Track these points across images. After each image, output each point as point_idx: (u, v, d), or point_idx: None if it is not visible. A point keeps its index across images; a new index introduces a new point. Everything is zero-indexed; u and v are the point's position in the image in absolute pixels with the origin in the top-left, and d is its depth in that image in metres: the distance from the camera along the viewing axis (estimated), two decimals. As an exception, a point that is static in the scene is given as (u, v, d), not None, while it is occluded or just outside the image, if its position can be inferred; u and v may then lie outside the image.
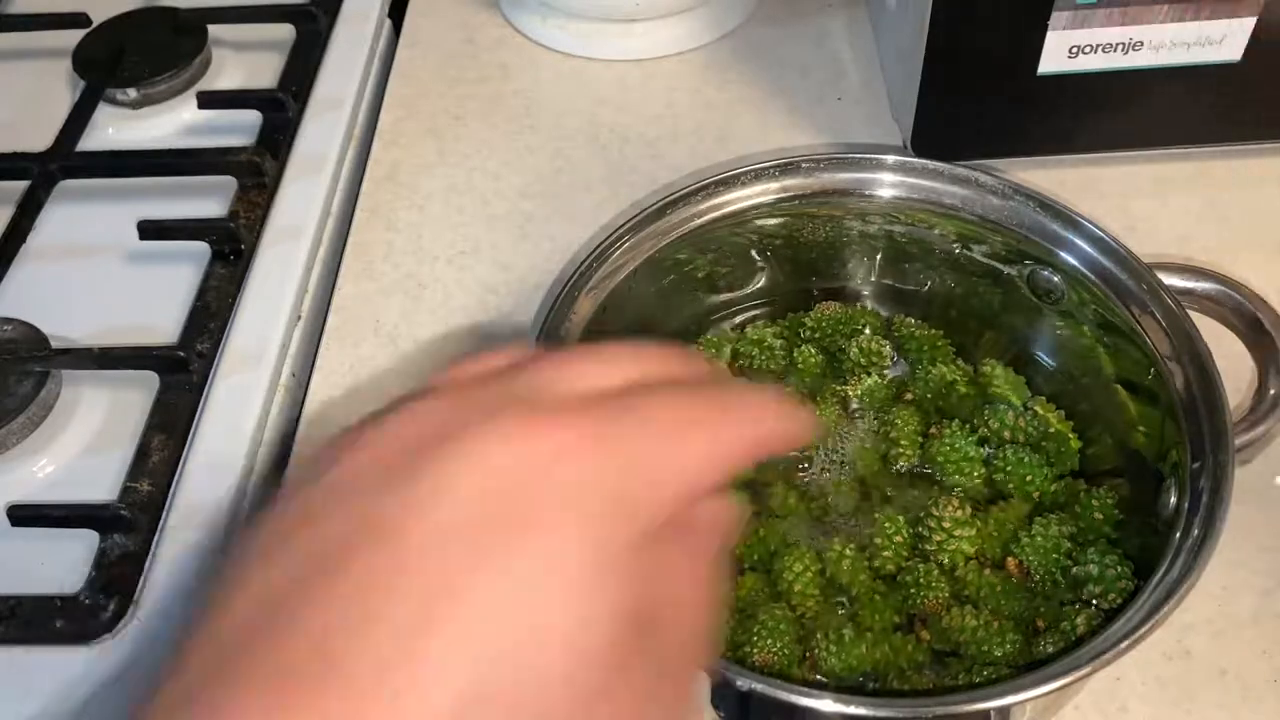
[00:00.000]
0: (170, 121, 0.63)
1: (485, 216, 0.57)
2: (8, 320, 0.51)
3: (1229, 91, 0.51)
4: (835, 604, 0.41)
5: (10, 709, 0.40)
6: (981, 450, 0.43)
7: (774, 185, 0.45)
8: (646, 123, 0.61)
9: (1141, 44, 0.49)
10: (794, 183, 0.45)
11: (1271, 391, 0.40)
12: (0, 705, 0.41)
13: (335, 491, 0.22)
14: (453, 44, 0.67)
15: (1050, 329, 0.45)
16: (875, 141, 0.59)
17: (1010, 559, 0.40)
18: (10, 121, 0.64)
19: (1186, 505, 0.36)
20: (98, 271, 0.55)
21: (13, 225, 0.56)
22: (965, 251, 0.46)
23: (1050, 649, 0.37)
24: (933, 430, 0.44)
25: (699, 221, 0.45)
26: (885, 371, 0.47)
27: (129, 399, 0.49)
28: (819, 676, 0.38)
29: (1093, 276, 0.42)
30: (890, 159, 0.45)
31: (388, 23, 0.69)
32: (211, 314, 0.52)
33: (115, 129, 0.62)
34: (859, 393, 0.46)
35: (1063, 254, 0.43)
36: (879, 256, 0.48)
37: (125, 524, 0.44)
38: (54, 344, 0.50)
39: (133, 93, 0.63)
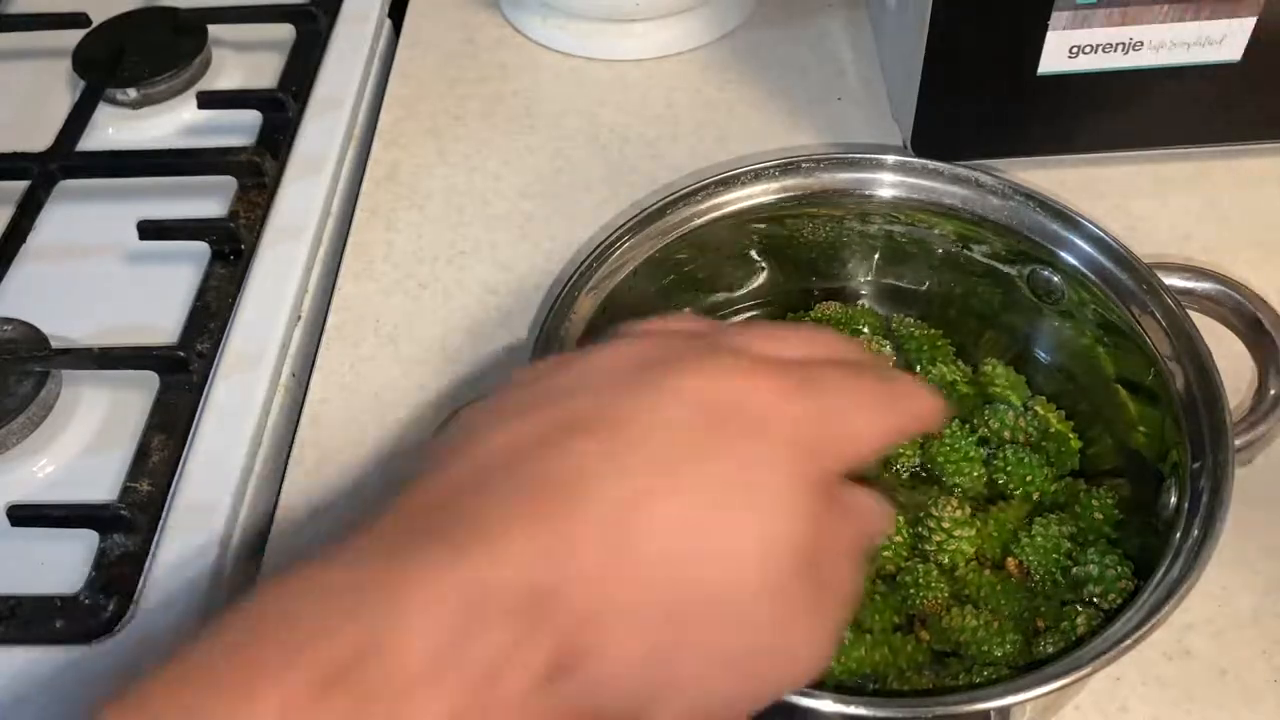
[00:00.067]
0: (170, 121, 0.63)
1: (485, 216, 0.57)
2: (8, 320, 0.51)
3: (1229, 91, 0.51)
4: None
5: (10, 709, 0.40)
6: (981, 450, 0.43)
7: (774, 185, 0.45)
8: (646, 123, 0.61)
9: (1141, 44, 0.49)
10: (794, 183, 0.45)
11: (1271, 391, 0.40)
12: (0, 705, 0.41)
13: (561, 389, 0.26)
14: (453, 44, 0.67)
15: (1050, 329, 0.45)
16: (875, 141, 0.59)
17: (1010, 559, 0.40)
18: (10, 121, 0.64)
19: (1186, 505, 0.36)
20: (98, 271, 0.55)
21: (13, 225, 0.56)
22: (965, 251, 0.46)
23: (1050, 649, 0.37)
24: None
25: (699, 221, 0.45)
26: (885, 371, 0.47)
27: (129, 399, 0.49)
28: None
29: (1093, 276, 0.42)
30: (890, 159, 0.45)
31: (388, 23, 0.69)
32: (211, 314, 0.52)
33: (115, 129, 0.62)
34: (859, 393, 0.46)
35: (1063, 254, 0.43)
36: (879, 256, 0.48)
37: (125, 524, 0.44)
38: (54, 344, 0.50)
39: (133, 93, 0.63)
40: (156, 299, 0.53)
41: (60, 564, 0.44)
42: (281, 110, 0.61)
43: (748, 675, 0.24)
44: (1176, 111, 0.53)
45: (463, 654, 0.21)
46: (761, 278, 0.49)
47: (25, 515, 0.45)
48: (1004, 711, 0.32)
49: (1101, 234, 0.42)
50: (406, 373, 0.51)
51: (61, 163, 0.58)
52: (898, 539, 0.41)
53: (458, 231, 0.56)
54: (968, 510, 0.41)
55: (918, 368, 0.46)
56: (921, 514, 0.41)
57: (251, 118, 0.61)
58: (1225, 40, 0.49)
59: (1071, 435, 0.43)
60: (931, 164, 0.45)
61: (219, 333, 0.51)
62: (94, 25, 0.66)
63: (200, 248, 0.55)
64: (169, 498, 0.46)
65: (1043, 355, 0.46)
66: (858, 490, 0.28)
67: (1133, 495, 0.41)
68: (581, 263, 0.43)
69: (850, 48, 0.64)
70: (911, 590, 0.40)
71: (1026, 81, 0.50)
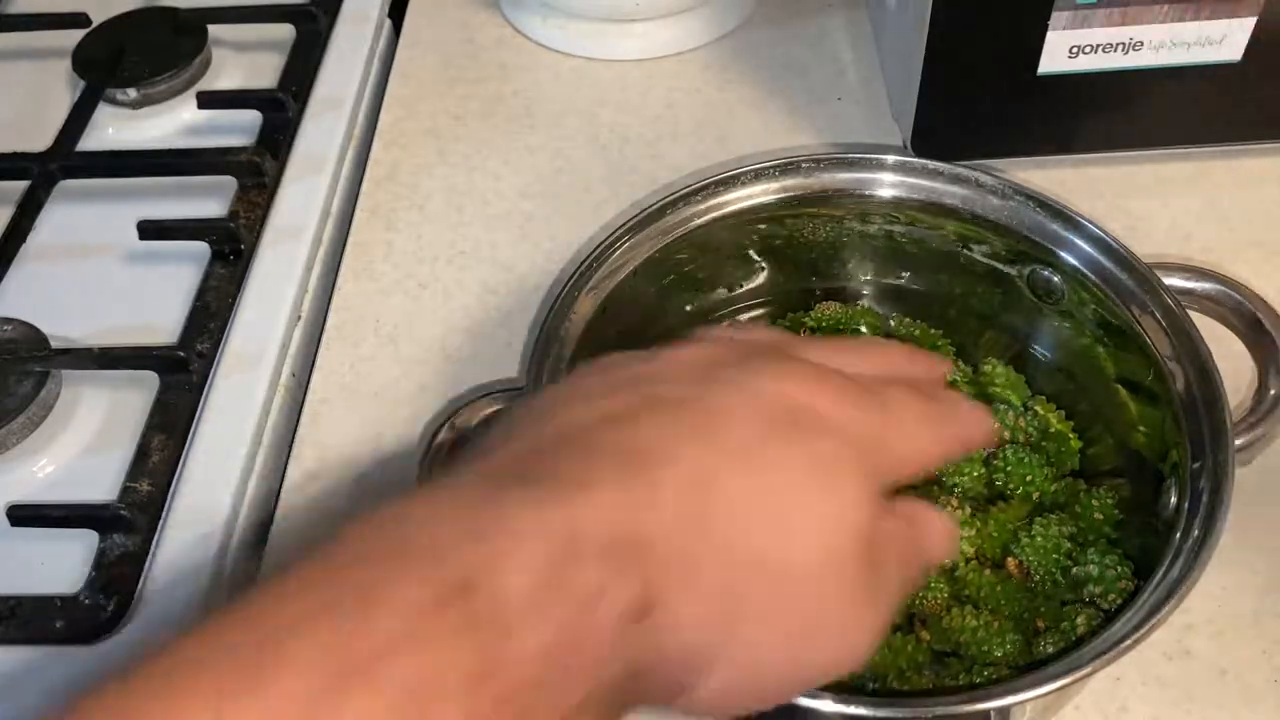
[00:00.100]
0: (170, 121, 0.63)
1: (485, 216, 0.57)
2: (8, 320, 0.51)
3: (1229, 91, 0.51)
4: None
5: (10, 709, 0.40)
6: (981, 450, 0.43)
7: (774, 185, 0.45)
8: (646, 123, 0.61)
9: (1141, 44, 0.49)
10: (794, 183, 0.45)
11: (1271, 391, 0.40)
12: (0, 705, 0.41)
13: (643, 376, 0.28)
14: (453, 44, 0.67)
15: (1050, 329, 0.45)
16: (875, 141, 0.59)
17: (1010, 559, 0.40)
18: (10, 121, 0.64)
19: (1187, 505, 0.36)
20: (98, 271, 0.55)
21: (13, 225, 0.56)
22: (965, 251, 0.46)
23: (1050, 649, 0.37)
24: None
25: (699, 221, 0.45)
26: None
27: (129, 399, 0.49)
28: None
29: (1093, 276, 0.42)
30: (890, 159, 0.45)
31: (388, 23, 0.69)
32: (211, 314, 0.52)
33: (115, 129, 0.62)
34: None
35: (1063, 254, 0.43)
36: (879, 256, 0.48)
37: (125, 524, 0.44)
38: (54, 344, 0.50)
39: (133, 93, 0.63)
40: (156, 299, 0.53)
41: (60, 564, 0.44)
42: (281, 110, 0.61)
43: (796, 654, 0.26)
44: (1176, 111, 0.53)
45: (561, 587, 0.22)
46: (761, 278, 0.49)
47: (25, 515, 0.45)
48: (1004, 711, 0.32)
49: (1101, 234, 0.42)
50: (406, 373, 0.51)
51: (61, 163, 0.58)
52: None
53: (458, 231, 0.56)
54: (968, 510, 0.41)
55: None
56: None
57: (251, 118, 0.61)
58: (1225, 40, 0.49)
59: (1071, 435, 0.43)
60: (931, 164, 0.45)
61: (219, 333, 0.51)
62: (94, 25, 0.66)
63: (200, 248, 0.55)
64: (169, 498, 0.46)
65: (1043, 355, 0.46)
66: (922, 505, 0.30)
67: (1133, 495, 0.41)
68: (581, 263, 0.43)
69: (850, 48, 0.64)
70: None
71: (1026, 81, 0.50)
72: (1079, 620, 0.37)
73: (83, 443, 0.48)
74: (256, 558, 0.46)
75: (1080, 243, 0.43)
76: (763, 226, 0.47)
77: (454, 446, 0.40)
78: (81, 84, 0.63)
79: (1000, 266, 0.45)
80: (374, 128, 0.62)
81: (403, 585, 0.22)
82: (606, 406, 0.26)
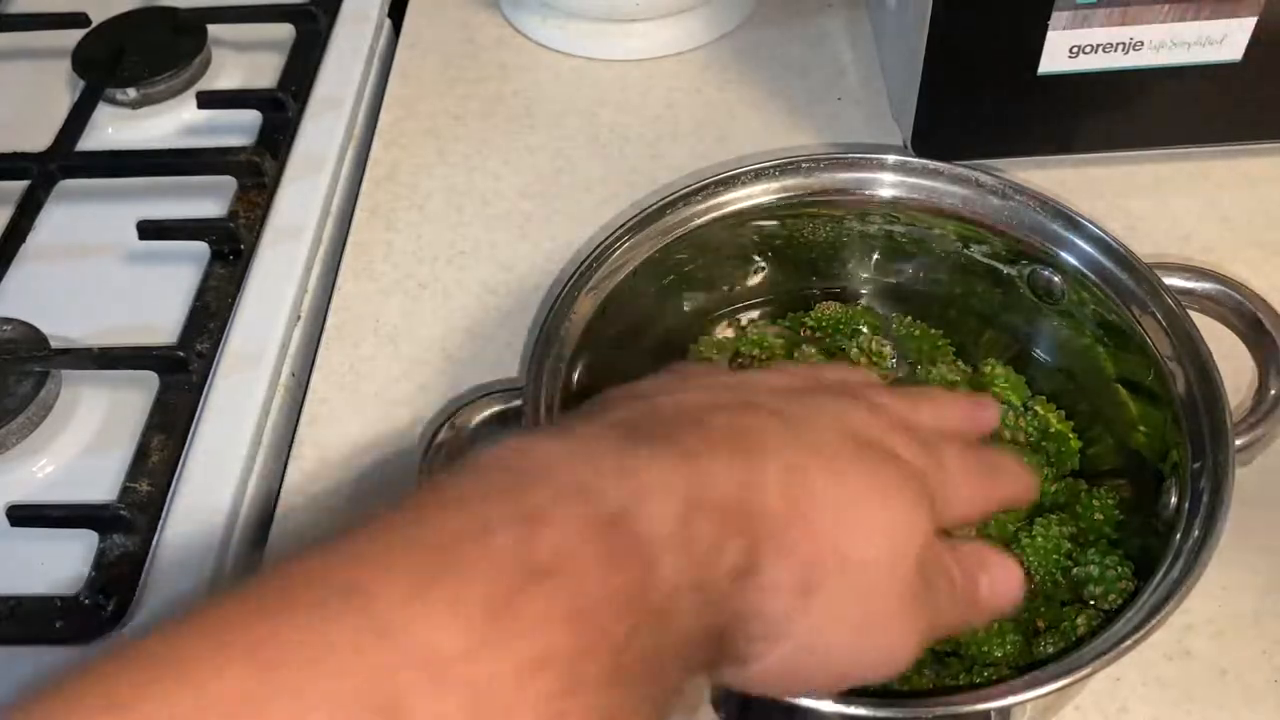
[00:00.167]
0: (170, 121, 0.63)
1: (485, 216, 0.57)
2: (7, 320, 0.51)
3: (1229, 91, 0.51)
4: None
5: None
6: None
7: (774, 185, 0.45)
8: (646, 123, 0.61)
9: (1142, 44, 0.49)
10: (794, 183, 0.45)
11: (1272, 391, 0.40)
12: (0, 706, 0.41)
13: (734, 385, 0.31)
14: (453, 44, 0.67)
15: (1050, 329, 0.45)
16: (875, 141, 0.59)
17: (1011, 559, 0.40)
18: (10, 121, 0.64)
19: (1187, 505, 0.36)
20: (98, 271, 0.55)
21: (12, 225, 0.56)
22: (965, 251, 0.46)
23: (1050, 649, 0.37)
24: None
25: (699, 221, 0.45)
26: (886, 371, 0.46)
27: (129, 399, 0.49)
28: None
29: (1093, 276, 0.42)
30: (890, 159, 0.45)
31: (388, 23, 0.69)
32: (211, 314, 0.52)
33: (115, 129, 0.62)
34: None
35: (1063, 254, 0.43)
36: (879, 256, 0.48)
37: (125, 524, 0.44)
38: (54, 344, 0.50)
39: (132, 93, 0.63)
40: (156, 299, 0.53)
41: (60, 564, 0.44)
42: (281, 110, 0.61)
43: (852, 646, 0.28)
44: (1177, 111, 0.53)
45: (690, 535, 0.25)
46: (761, 278, 0.49)
47: (25, 515, 0.45)
48: (1004, 712, 0.32)
49: (1102, 234, 0.42)
50: (406, 373, 0.51)
51: (61, 162, 0.58)
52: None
53: (458, 231, 0.56)
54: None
55: (918, 368, 0.46)
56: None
57: (251, 118, 0.61)
58: (1225, 40, 0.49)
59: (1071, 435, 0.43)
60: (931, 164, 0.45)
61: (219, 333, 0.51)
62: (94, 25, 0.66)
63: (200, 248, 0.55)
64: (169, 498, 0.46)
65: (1043, 355, 0.46)
66: (992, 551, 0.32)
67: (1133, 495, 0.41)
68: (581, 263, 0.43)
69: (850, 48, 0.64)
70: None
71: (1027, 81, 0.50)
72: (1079, 621, 0.37)
73: (82, 443, 0.48)
74: (256, 557, 0.46)
75: (1080, 243, 0.42)
76: (763, 226, 0.47)
77: (454, 446, 0.40)
78: (81, 84, 0.63)
79: (1000, 266, 0.45)
80: (374, 128, 0.62)
81: (563, 509, 0.24)
82: (713, 399, 0.29)
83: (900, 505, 0.29)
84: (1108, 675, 0.40)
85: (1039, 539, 0.40)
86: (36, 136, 0.60)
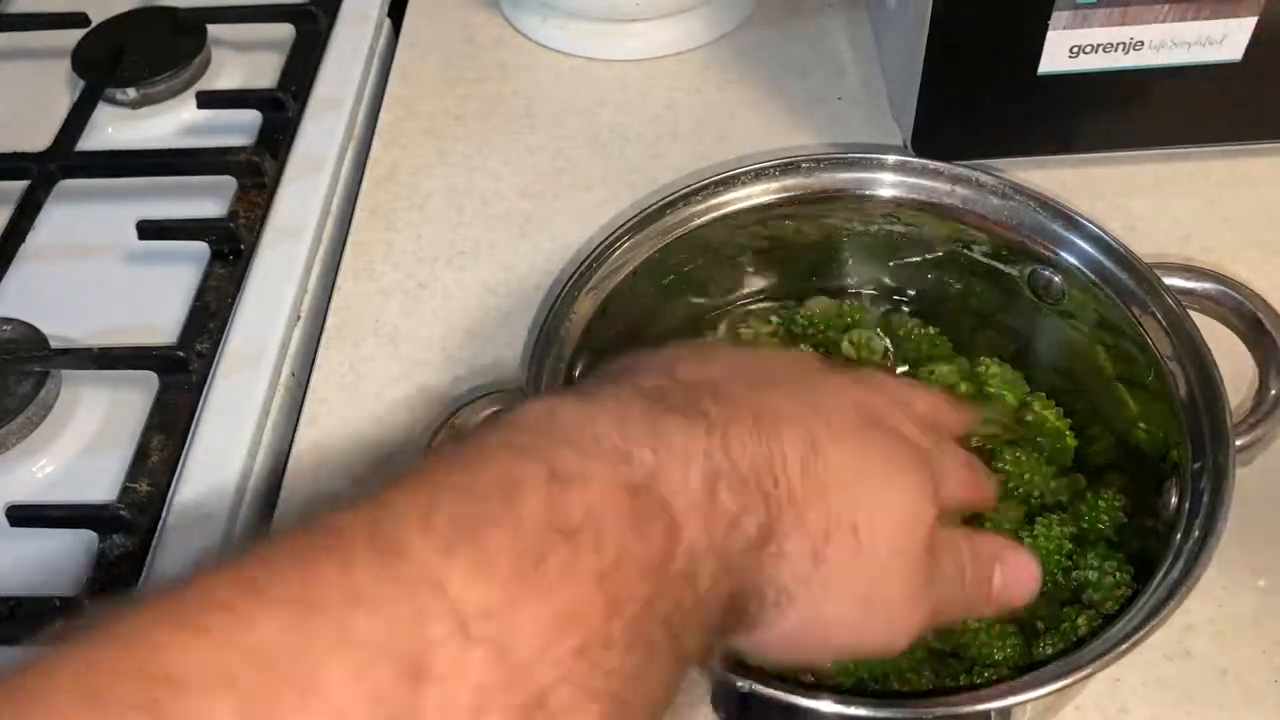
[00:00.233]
0: (170, 121, 0.63)
1: (485, 216, 0.57)
2: (7, 320, 0.51)
3: (1229, 91, 0.51)
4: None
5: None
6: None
7: (774, 185, 0.45)
8: (646, 123, 0.61)
9: (1142, 44, 0.49)
10: (794, 183, 0.45)
11: (1272, 392, 0.40)
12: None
13: (751, 359, 0.33)
14: (453, 44, 0.67)
15: (1050, 328, 0.45)
16: (875, 141, 0.59)
17: (1011, 559, 0.40)
18: (9, 121, 0.64)
19: (1187, 506, 0.36)
20: (97, 271, 0.55)
21: (12, 225, 0.56)
22: (965, 251, 0.46)
23: (1050, 650, 0.37)
24: None
25: (699, 221, 0.45)
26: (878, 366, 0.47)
27: (128, 399, 0.49)
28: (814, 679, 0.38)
29: (1093, 276, 0.42)
30: (890, 159, 0.45)
31: (387, 23, 0.69)
32: (211, 314, 0.52)
33: (115, 129, 0.62)
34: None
35: (1063, 254, 0.43)
36: (879, 256, 0.48)
37: (125, 524, 0.44)
38: (54, 344, 0.50)
39: (132, 92, 0.63)
40: (156, 299, 0.53)
41: (60, 564, 0.44)
42: (281, 110, 0.61)
43: (856, 618, 0.29)
44: (1177, 111, 0.53)
45: (712, 503, 0.26)
46: (761, 277, 0.49)
47: (25, 515, 0.45)
48: (1005, 712, 0.32)
49: (1102, 234, 0.42)
50: (406, 373, 0.51)
51: (61, 162, 0.58)
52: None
53: (458, 231, 0.56)
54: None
55: (918, 368, 0.46)
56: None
57: (251, 117, 0.61)
58: (1226, 40, 0.49)
59: (1069, 434, 0.43)
60: (931, 164, 0.45)
61: (218, 333, 0.51)
62: (93, 25, 0.66)
63: (200, 248, 0.55)
64: (169, 498, 0.46)
65: (1043, 354, 0.46)
66: (1011, 545, 0.34)
67: (1133, 496, 0.41)
68: (581, 263, 0.43)
69: (850, 48, 0.64)
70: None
71: (1027, 81, 0.50)
72: (1079, 621, 0.37)
73: (82, 443, 0.48)
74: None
75: (1080, 242, 0.42)
76: (763, 226, 0.46)
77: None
78: (81, 84, 0.63)
79: (1000, 266, 0.45)
80: (373, 128, 0.62)
81: (592, 472, 0.24)
82: (732, 371, 0.30)
83: (909, 484, 0.30)
84: (1108, 675, 0.40)
85: (1040, 539, 0.40)
86: (36, 136, 0.60)
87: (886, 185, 0.45)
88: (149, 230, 0.54)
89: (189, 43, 0.64)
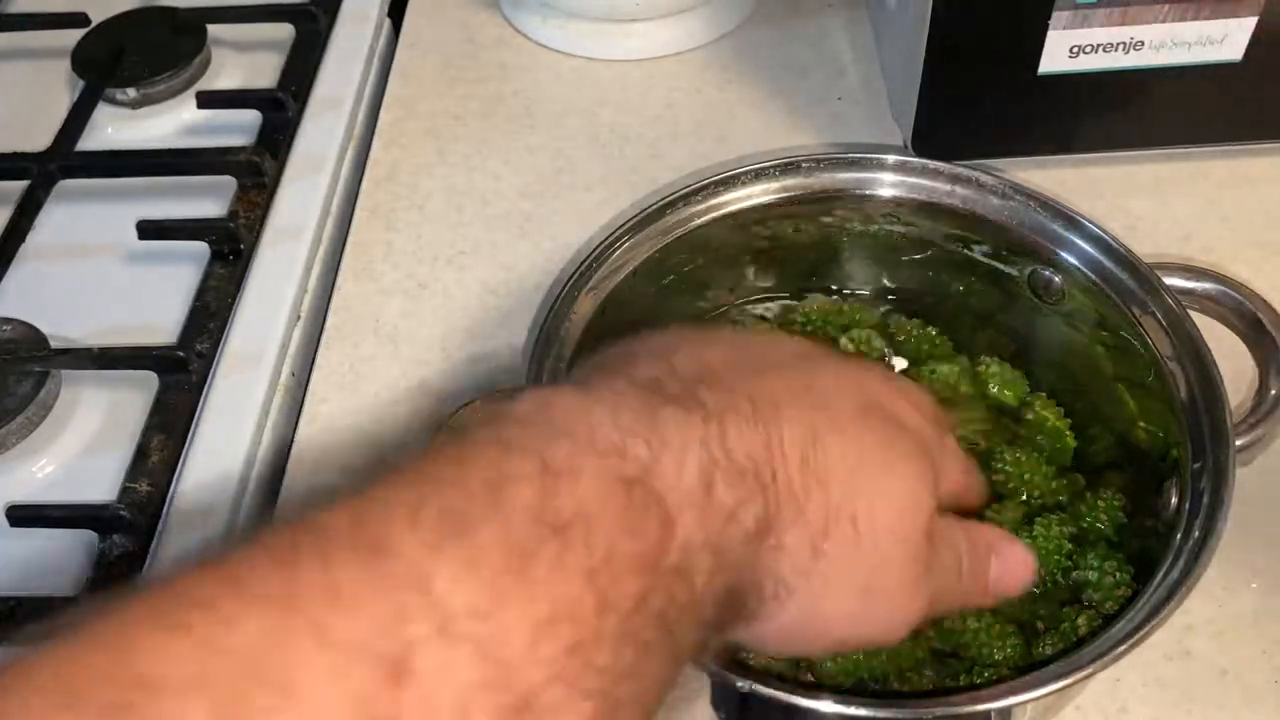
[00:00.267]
0: (170, 121, 0.63)
1: (485, 216, 0.57)
2: (7, 320, 0.50)
3: (1229, 91, 0.51)
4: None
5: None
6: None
7: (774, 185, 0.45)
8: (646, 123, 0.61)
9: (1142, 44, 0.49)
10: (794, 183, 0.45)
11: (1272, 392, 0.40)
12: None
13: (751, 344, 0.32)
14: (453, 44, 0.67)
15: (1050, 328, 0.45)
16: (875, 141, 0.59)
17: (1011, 560, 0.40)
18: (9, 121, 0.64)
19: (1187, 506, 0.36)
20: (97, 271, 0.55)
21: (12, 225, 0.56)
22: (965, 251, 0.46)
23: (1050, 650, 0.37)
24: None
25: (699, 221, 0.45)
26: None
27: (128, 399, 0.49)
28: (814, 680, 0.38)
29: (1093, 276, 0.42)
30: (890, 159, 0.45)
31: (387, 23, 0.69)
32: (211, 314, 0.52)
33: (114, 129, 0.62)
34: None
35: (1063, 254, 0.43)
36: (879, 256, 0.48)
37: (125, 524, 0.44)
38: (53, 344, 0.50)
39: (132, 92, 0.63)
40: (156, 299, 0.53)
41: (60, 564, 0.44)
42: (281, 110, 0.61)
43: (854, 610, 0.29)
44: (1177, 111, 0.53)
45: (709, 496, 0.25)
46: (762, 278, 0.49)
47: (25, 515, 0.45)
48: (1005, 712, 0.32)
49: (1102, 234, 0.42)
50: (406, 373, 0.51)
51: (61, 162, 0.58)
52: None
53: (458, 231, 0.56)
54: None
55: (919, 368, 0.46)
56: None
57: (251, 117, 0.61)
58: (1226, 40, 0.49)
59: (1068, 434, 0.43)
60: (931, 164, 0.45)
61: (218, 333, 0.51)
62: (93, 25, 0.66)
63: (200, 248, 0.55)
64: (168, 498, 0.46)
65: (1043, 354, 0.46)
66: (1006, 536, 0.34)
67: (1133, 496, 0.41)
68: (581, 263, 0.42)
69: (850, 48, 0.64)
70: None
71: (1027, 81, 0.50)
72: (1079, 621, 0.37)
73: (82, 443, 0.48)
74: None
75: (1081, 242, 0.42)
76: (763, 226, 0.46)
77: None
78: (81, 84, 0.63)
79: (1000, 266, 0.45)
80: (373, 128, 0.62)
81: (585, 465, 0.24)
82: (731, 358, 0.29)
83: (909, 472, 0.29)
84: (1108, 675, 0.40)
85: (1039, 539, 0.40)
86: (36, 136, 0.60)
87: (886, 185, 0.45)
88: (149, 230, 0.54)
89: (189, 43, 0.64)
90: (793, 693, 0.31)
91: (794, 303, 0.48)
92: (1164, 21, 0.48)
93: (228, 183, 0.58)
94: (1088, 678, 0.32)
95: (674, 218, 0.44)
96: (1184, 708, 0.39)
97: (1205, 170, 0.56)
